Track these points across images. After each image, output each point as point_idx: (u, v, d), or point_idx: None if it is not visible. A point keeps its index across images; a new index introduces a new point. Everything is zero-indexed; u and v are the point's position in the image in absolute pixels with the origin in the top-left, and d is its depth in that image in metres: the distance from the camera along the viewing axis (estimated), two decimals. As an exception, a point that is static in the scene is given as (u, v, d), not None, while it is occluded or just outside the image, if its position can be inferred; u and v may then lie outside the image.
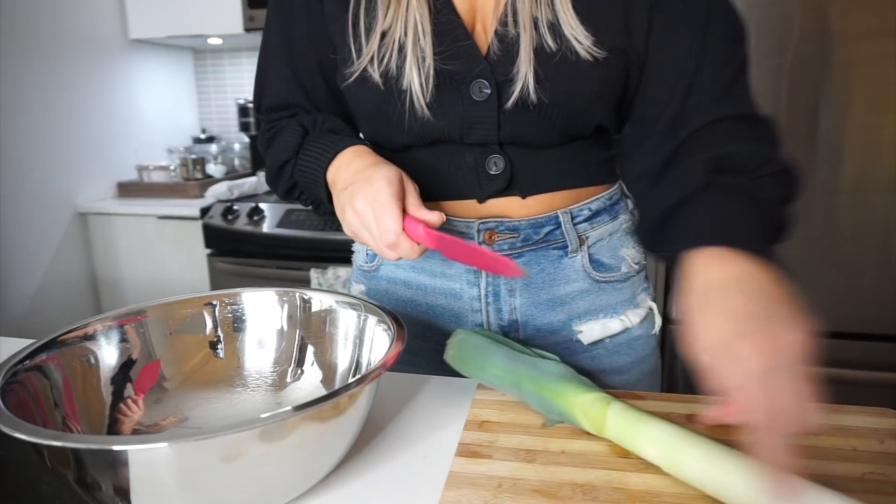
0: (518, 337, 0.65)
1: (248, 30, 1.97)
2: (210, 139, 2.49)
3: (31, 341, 0.47)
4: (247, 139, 2.41)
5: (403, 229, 0.49)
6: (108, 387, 0.49)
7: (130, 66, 2.22)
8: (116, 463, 0.34)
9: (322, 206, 0.62)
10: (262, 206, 1.87)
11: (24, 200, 1.85)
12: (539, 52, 0.53)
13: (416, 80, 0.55)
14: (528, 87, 0.54)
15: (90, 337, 0.49)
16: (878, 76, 1.29)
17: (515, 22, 0.53)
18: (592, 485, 0.42)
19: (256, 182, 2.12)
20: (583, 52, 0.53)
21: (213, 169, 2.28)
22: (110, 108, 2.15)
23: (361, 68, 0.57)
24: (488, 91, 0.55)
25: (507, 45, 0.54)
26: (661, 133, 0.56)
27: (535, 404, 0.50)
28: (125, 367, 0.51)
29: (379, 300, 0.70)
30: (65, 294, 2.01)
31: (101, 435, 0.46)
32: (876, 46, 1.27)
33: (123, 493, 0.35)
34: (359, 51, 0.57)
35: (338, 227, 1.76)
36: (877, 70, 1.28)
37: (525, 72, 0.53)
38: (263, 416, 0.35)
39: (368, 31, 0.56)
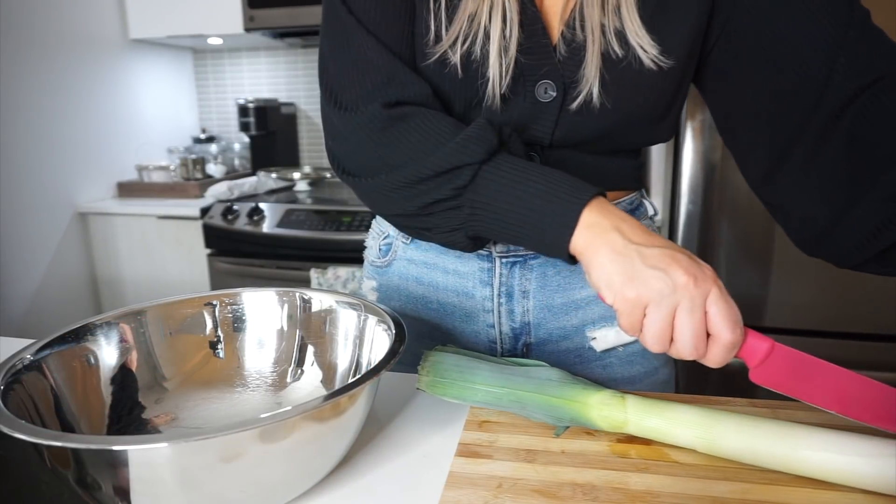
0: (529, 341, 0.64)
1: (248, 30, 1.97)
2: (210, 139, 2.49)
3: (31, 341, 0.47)
4: (247, 139, 2.41)
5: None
6: (108, 387, 0.49)
7: (130, 66, 2.22)
8: (116, 463, 0.34)
9: (467, 238, 0.52)
10: (262, 206, 1.87)
11: (24, 200, 1.85)
12: (605, 57, 0.53)
13: (496, 70, 0.53)
14: (592, 90, 0.53)
15: (90, 337, 0.49)
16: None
17: (583, 28, 0.53)
18: (592, 485, 0.42)
19: (256, 182, 2.12)
20: (647, 61, 0.52)
21: (213, 169, 2.28)
22: (110, 108, 2.15)
23: (442, 51, 0.54)
24: (553, 93, 0.55)
25: (575, 48, 0.54)
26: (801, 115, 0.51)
27: (542, 415, 0.48)
28: (125, 367, 0.51)
29: (390, 297, 0.69)
30: (65, 294, 2.01)
31: (101, 435, 0.46)
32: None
33: (123, 493, 0.35)
34: (438, 30, 0.54)
35: (338, 227, 1.75)
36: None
37: (592, 76, 0.53)
38: (263, 416, 0.35)
39: (451, 12, 0.54)
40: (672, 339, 0.43)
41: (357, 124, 0.54)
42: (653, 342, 0.43)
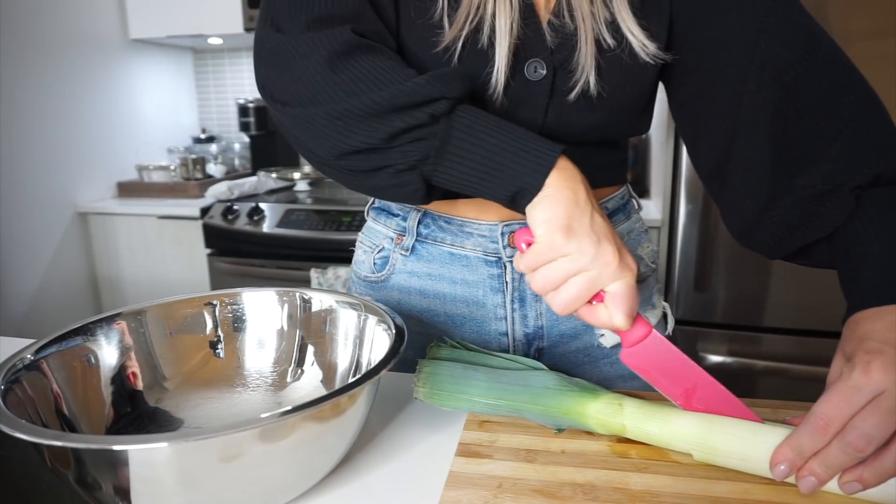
0: (542, 345, 0.63)
1: (248, 30, 1.97)
2: (210, 139, 2.49)
3: (31, 341, 0.47)
4: (247, 139, 2.41)
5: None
6: (108, 387, 0.49)
7: (130, 66, 2.22)
8: (116, 463, 0.34)
9: (432, 171, 0.47)
10: (262, 206, 1.87)
11: (24, 200, 1.85)
12: (598, 46, 0.53)
13: (503, 54, 0.51)
14: (589, 78, 0.53)
15: (90, 337, 0.49)
16: (878, 76, 1.28)
17: (572, 16, 0.52)
18: (592, 485, 0.42)
19: (256, 182, 2.12)
20: (638, 50, 0.52)
21: (213, 169, 2.28)
22: (110, 108, 2.15)
23: (452, 37, 0.51)
24: (543, 72, 0.54)
25: (565, 35, 0.53)
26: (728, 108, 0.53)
27: (540, 420, 0.48)
28: (125, 367, 0.51)
29: None
30: (65, 294, 2.01)
31: (101, 435, 0.46)
32: (876, 46, 1.27)
33: (123, 492, 0.35)
34: (451, 18, 0.52)
35: (338, 227, 1.76)
36: (877, 70, 1.28)
37: (589, 64, 0.52)
38: (263, 416, 0.35)
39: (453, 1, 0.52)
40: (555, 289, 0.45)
41: (315, 45, 0.48)
42: (541, 283, 0.44)
